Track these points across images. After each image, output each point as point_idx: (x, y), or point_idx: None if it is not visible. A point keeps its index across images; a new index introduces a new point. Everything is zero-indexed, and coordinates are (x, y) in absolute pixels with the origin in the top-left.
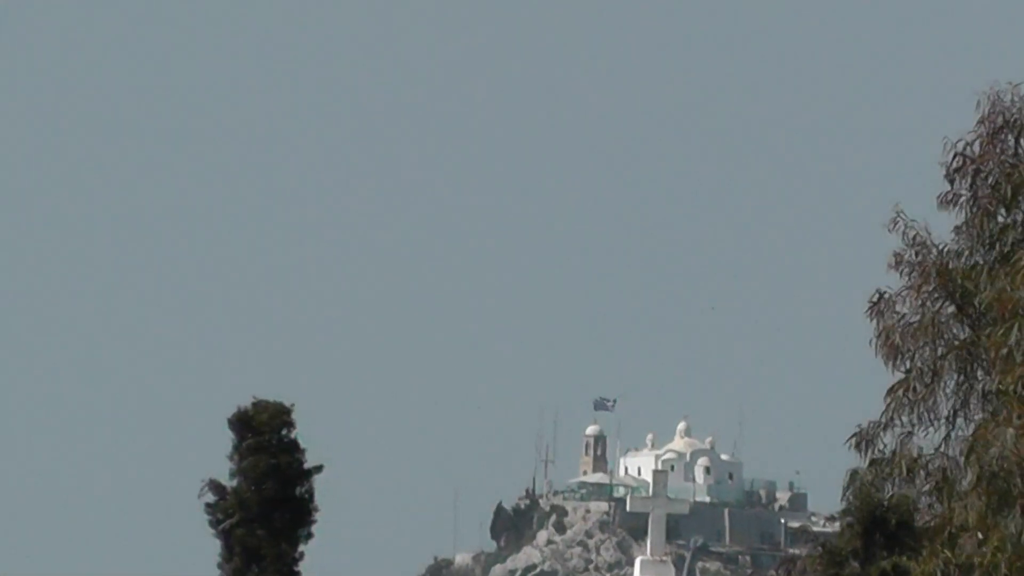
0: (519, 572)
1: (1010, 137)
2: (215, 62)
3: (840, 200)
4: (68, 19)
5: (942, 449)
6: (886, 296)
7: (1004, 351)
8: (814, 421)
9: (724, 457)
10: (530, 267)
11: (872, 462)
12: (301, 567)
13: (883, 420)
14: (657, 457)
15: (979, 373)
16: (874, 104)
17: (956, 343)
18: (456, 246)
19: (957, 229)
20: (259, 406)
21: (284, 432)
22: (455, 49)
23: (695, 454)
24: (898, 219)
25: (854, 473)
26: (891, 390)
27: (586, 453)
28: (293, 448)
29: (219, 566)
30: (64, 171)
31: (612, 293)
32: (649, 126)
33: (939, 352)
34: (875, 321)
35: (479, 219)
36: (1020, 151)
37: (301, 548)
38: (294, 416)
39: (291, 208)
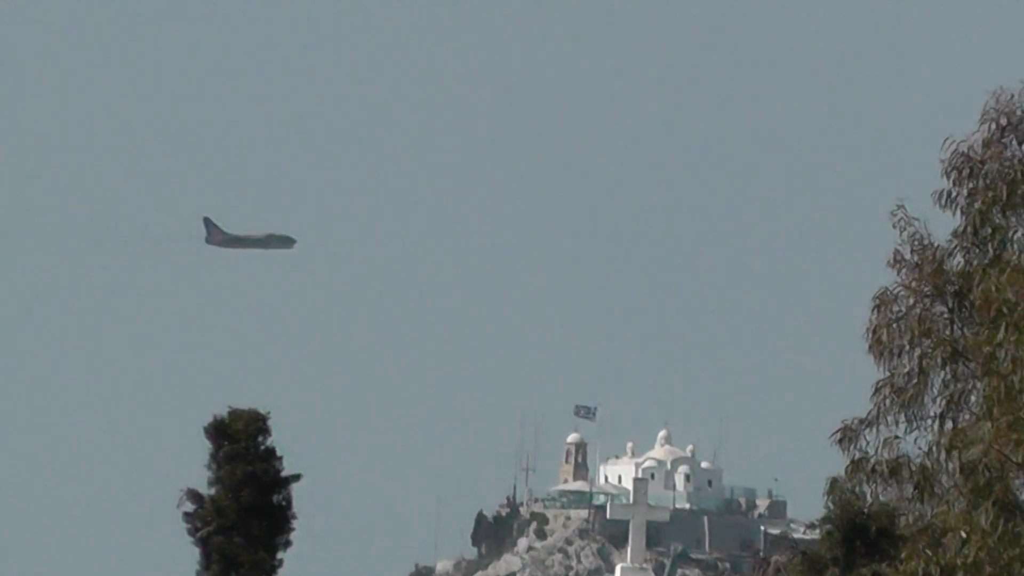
0: None
1: (1012, 138)
2: (194, 64)
3: (833, 204)
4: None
5: (926, 449)
6: (888, 294)
7: (988, 350)
8: (794, 430)
9: (704, 465)
10: (510, 276)
11: (854, 464)
12: (280, 575)
13: (868, 417)
14: (637, 465)
15: (967, 374)
16: (884, 98)
17: (943, 341)
18: (437, 256)
19: (955, 229)
20: (234, 414)
21: (260, 439)
22: (430, 49)
23: (675, 462)
24: (900, 215)
25: (834, 481)
26: (877, 389)
27: (567, 461)
28: (269, 456)
29: (198, 574)
30: (43, 178)
31: (592, 301)
32: (638, 126)
33: (925, 353)
34: (871, 317)
35: (460, 230)
36: (1021, 152)
37: (279, 556)
38: (270, 424)
39: (269, 215)
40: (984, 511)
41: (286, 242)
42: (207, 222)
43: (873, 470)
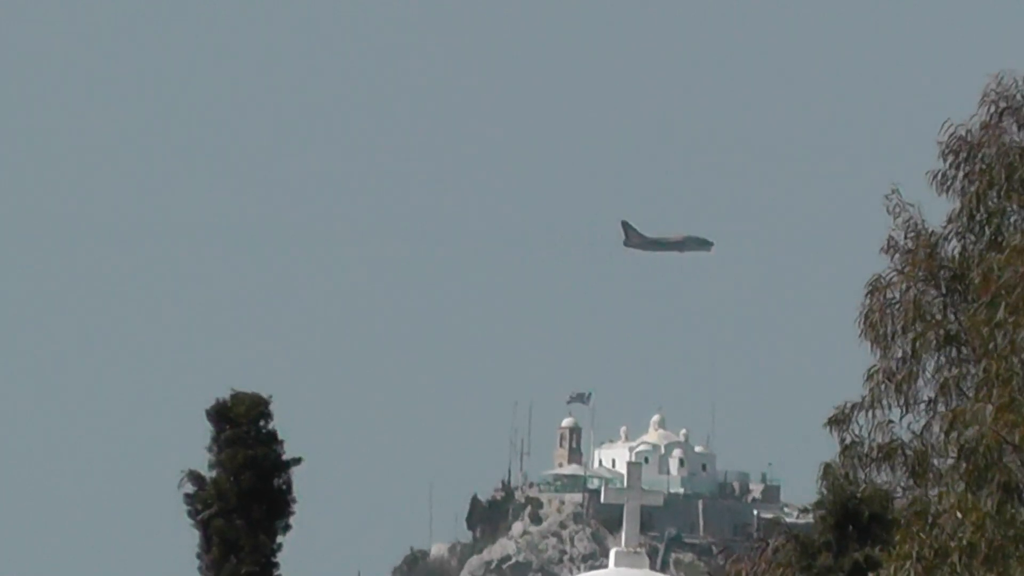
0: (494, 563)
1: (1012, 122)
2: (193, 59)
3: (827, 190)
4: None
5: (920, 432)
6: (882, 280)
7: (986, 330)
8: (788, 414)
9: (698, 449)
10: (504, 262)
11: (846, 448)
12: (279, 558)
13: (862, 402)
14: (631, 449)
15: (960, 358)
16: (879, 83)
17: (936, 323)
18: (432, 242)
19: (950, 213)
20: (237, 398)
21: (262, 424)
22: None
23: (669, 446)
24: (894, 200)
25: (827, 466)
26: (870, 374)
27: (561, 445)
28: (271, 440)
29: (198, 556)
30: (45, 168)
31: (586, 286)
32: (626, 112)
33: (919, 335)
34: (865, 303)
35: (455, 216)
36: (1020, 137)
37: (279, 539)
38: (272, 408)
39: (270, 203)
40: (988, 494)
41: (704, 245)
42: (625, 225)
43: (867, 454)
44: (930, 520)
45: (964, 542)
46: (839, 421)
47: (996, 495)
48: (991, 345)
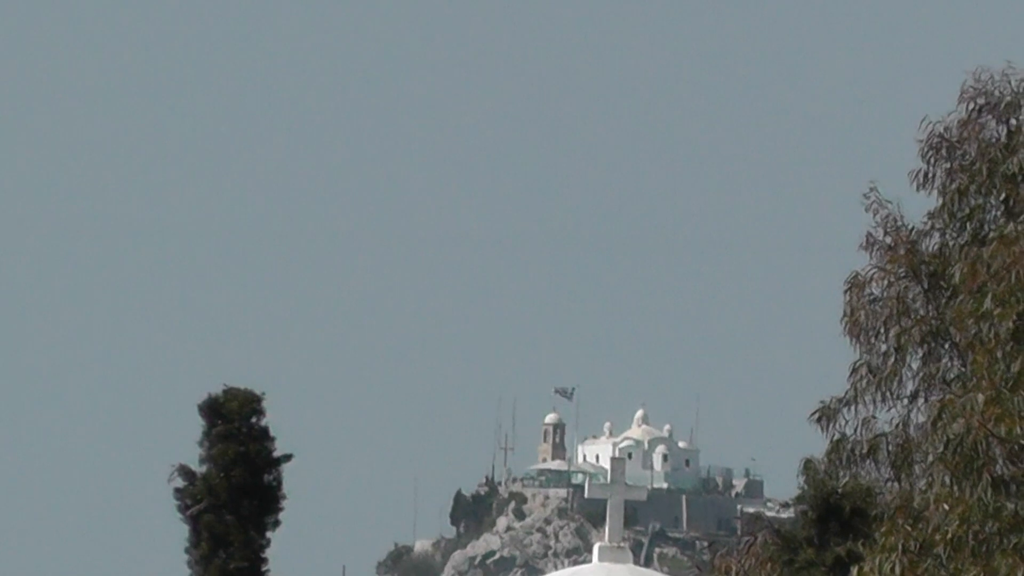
0: (479, 558)
1: (990, 118)
2: (192, 58)
3: (807, 185)
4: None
5: (903, 427)
6: (860, 277)
7: (972, 322)
8: (770, 409)
9: (681, 444)
10: (488, 259)
11: (834, 444)
12: (268, 554)
13: (846, 397)
14: (615, 444)
15: (942, 352)
16: (861, 80)
17: (920, 319)
18: (418, 240)
19: (930, 210)
20: (229, 393)
21: (254, 420)
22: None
23: (653, 441)
24: (872, 198)
25: (808, 462)
26: (854, 369)
27: (545, 441)
28: (263, 436)
29: (187, 551)
30: (38, 164)
31: (570, 282)
32: (610, 114)
33: (903, 330)
34: (845, 300)
35: (440, 213)
36: (999, 132)
37: (268, 535)
38: (264, 404)
39: (261, 200)
40: (981, 487)
41: None
42: None
43: (852, 451)
44: (915, 513)
45: (950, 535)
46: (823, 416)
47: (986, 487)
48: (978, 336)
